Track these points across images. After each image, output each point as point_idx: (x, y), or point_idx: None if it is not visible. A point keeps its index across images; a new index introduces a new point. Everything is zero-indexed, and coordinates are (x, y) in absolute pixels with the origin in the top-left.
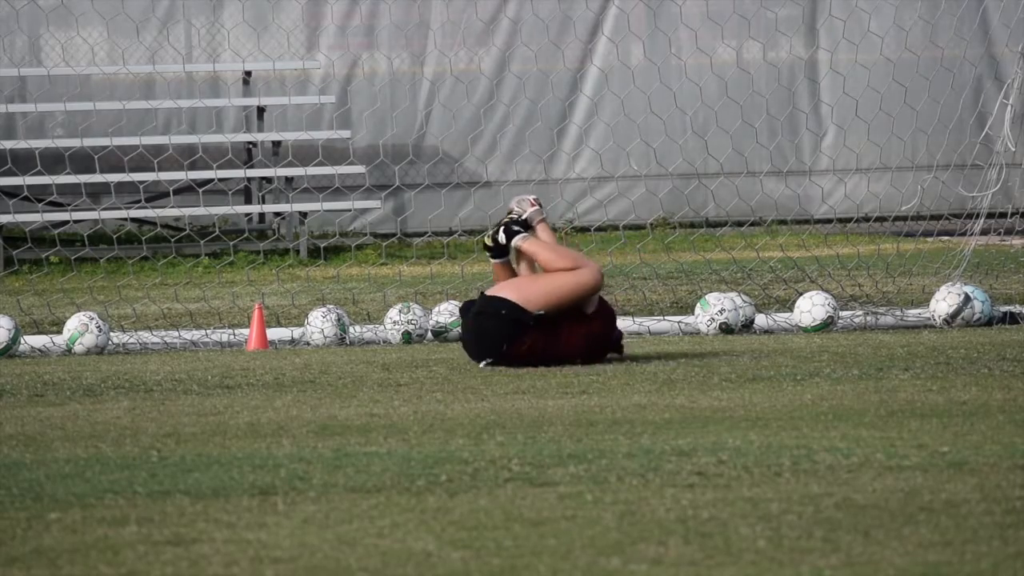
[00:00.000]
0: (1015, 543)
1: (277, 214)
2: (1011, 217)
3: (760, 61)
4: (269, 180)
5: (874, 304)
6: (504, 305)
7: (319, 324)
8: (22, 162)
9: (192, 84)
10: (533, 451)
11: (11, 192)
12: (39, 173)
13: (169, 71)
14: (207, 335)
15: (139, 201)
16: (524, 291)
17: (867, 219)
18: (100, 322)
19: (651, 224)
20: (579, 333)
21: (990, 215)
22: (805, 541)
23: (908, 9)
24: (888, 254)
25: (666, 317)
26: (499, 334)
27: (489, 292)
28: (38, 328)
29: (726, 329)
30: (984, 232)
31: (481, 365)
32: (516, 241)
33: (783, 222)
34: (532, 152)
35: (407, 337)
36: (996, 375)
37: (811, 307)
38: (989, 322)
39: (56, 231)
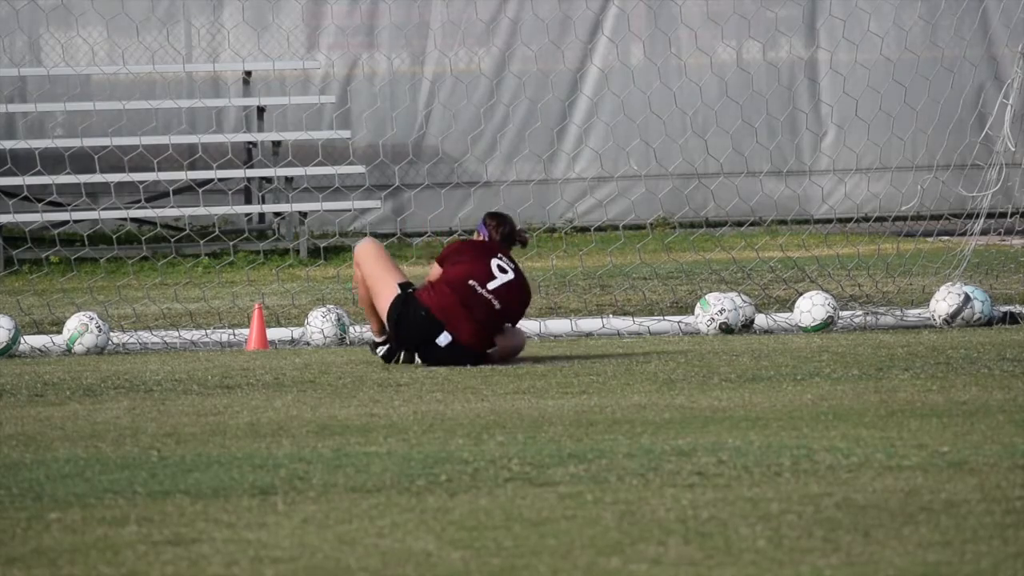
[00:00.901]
0: (1015, 543)
1: (277, 214)
2: (1011, 217)
3: (760, 61)
4: (269, 180)
5: (874, 304)
6: (389, 318)
7: (319, 324)
8: (22, 162)
9: (192, 84)
10: (533, 451)
11: (11, 192)
12: (39, 173)
13: (169, 71)
14: (207, 335)
15: (139, 201)
16: (378, 302)
17: (867, 219)
18: (100, 322)
19: (651, 224)
20: (450, 270)
21: (990, 215)
22: (805, 541)
23: (908, 9)
24: (888, 254)
25: (666, 317)
26: (414, 317)
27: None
28: (38, 328)
29: (726, 329)
30: (984, 232)
31: (443, 345)
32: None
33: (783, 222)
34: (532, 152)
35: None
36: (996, 375)
37: (811, 307)
38: (989, 322)
39: (56, 231)
